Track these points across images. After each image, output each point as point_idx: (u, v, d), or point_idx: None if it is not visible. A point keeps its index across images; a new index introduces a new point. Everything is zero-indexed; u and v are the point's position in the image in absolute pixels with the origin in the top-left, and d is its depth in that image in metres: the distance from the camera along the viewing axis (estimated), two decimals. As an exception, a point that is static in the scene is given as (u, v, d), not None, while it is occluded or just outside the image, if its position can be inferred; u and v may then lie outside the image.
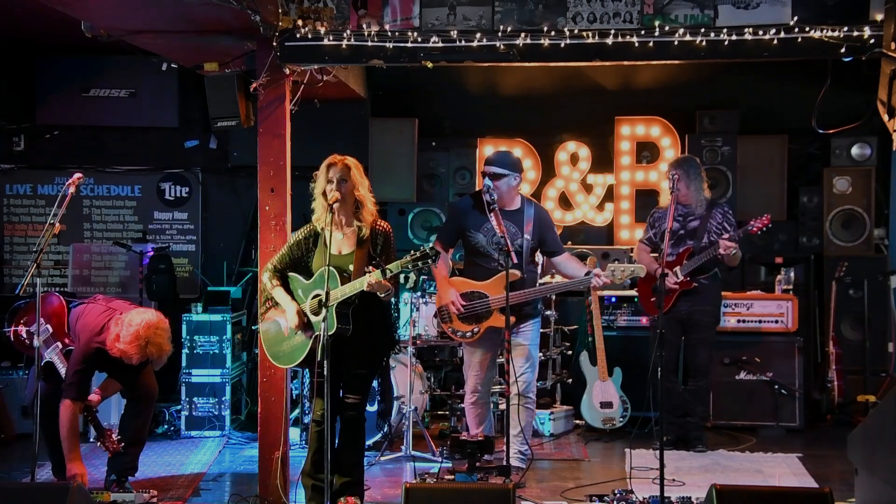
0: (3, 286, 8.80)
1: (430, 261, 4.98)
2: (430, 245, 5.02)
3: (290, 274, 5.29)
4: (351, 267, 5.11)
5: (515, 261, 5.72)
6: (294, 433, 6.80)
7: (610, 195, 8.62)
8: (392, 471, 6.49)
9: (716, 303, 7.07)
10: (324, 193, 5.15)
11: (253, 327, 5.68)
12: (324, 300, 4.85)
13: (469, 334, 5.96)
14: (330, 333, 4.85)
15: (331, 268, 4.92)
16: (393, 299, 7.31)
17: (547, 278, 7.40)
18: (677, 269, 6.81)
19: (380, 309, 5.20)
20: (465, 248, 6.13)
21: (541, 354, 7.54)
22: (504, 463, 5.57)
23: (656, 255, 7.19)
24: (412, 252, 4.99)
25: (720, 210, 6.95)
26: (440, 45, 5.65)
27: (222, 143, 8.79)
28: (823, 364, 7.97)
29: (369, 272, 4.92)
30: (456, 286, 5.98)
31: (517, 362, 5.93)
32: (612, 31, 5.60)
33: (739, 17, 5.62)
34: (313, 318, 5.13)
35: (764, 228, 6.69)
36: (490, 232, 5.91)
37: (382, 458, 6.66)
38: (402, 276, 6.59)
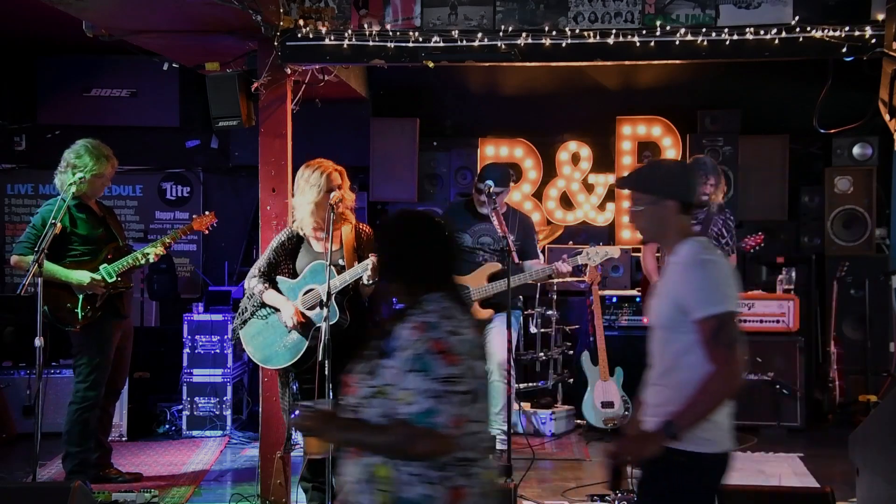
0: (3, 286, 8.80)
1: None
2: None
3: (277, 277, 5.23)
4: (342, 261, 5.11)
5: (517, 261, 5.79)
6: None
7: (611, 195, 8.62)
8: (393, 470, 6.48)
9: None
10: (321, 198, 5.09)
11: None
12: (325, 298, 4.83)
13: None
14: (331, 324, 4.84)
15: (324, 262, 4.91)
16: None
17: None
18: None
19: (366, 306, 5.19)
20: None
21: (542, 354, 7.57)
22: (505, 463, 5.57)
23: (660, 254, 7.18)
24: None
25: (722, 217, 6.93)
26: (441, 44, 5.65)
27: (223, 143, 8.78)
28: (825, 364, 7.96)
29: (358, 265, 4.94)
30: None
31: (494, 343, 6.01)
32: (614, 31, 5.59)
33: (741, 16, 5.61)
34: (310, 313, 5.10)
35: (756, 248, 6.96)
36: (476, 233, 6.30)
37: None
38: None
